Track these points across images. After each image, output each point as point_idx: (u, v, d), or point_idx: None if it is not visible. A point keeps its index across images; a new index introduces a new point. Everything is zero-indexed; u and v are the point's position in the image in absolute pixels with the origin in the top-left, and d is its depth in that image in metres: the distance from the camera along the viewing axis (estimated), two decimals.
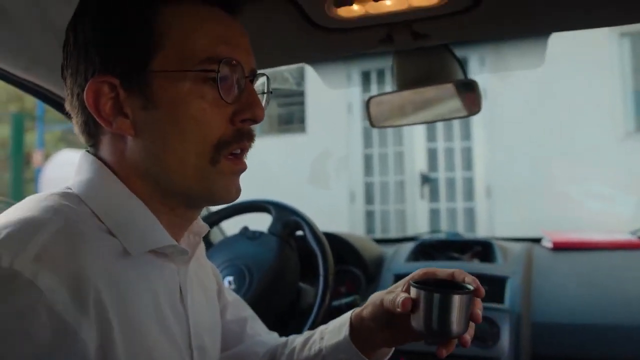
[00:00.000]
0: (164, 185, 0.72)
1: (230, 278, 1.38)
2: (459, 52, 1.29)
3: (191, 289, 0.84)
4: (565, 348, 1.39)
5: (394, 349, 0.92)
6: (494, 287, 1.51)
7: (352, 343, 0.86)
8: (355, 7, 1.00)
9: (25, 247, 0.59)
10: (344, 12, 1.01)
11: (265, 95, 0.81)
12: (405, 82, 1.31)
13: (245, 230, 1.49)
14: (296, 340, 0.98)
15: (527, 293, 1.49)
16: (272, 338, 1.05)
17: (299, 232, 1.47)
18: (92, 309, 0.61)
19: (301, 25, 1.07)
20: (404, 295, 0.76)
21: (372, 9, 1.01)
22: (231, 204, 1.52)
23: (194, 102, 0.68)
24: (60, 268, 0.59)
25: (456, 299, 0.72)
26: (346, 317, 0.90)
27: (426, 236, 2.13)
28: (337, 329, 0.90)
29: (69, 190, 0.71)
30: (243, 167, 0.75)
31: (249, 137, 0.74)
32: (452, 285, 0.77)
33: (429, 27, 1.10)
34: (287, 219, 1.45)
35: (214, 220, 1.56)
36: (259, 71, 0.78)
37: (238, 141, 0.72)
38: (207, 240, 1.55)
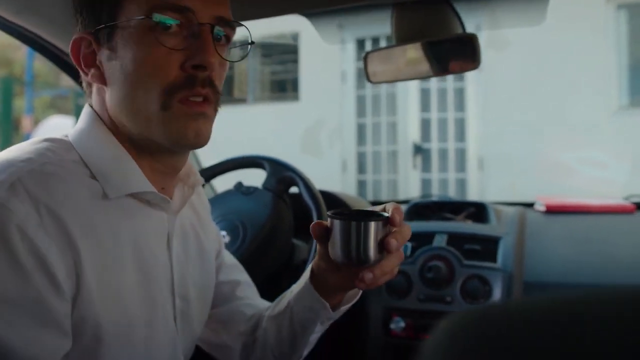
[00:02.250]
0: (132, 130, 0.77)
1: (224, 232, 1.37)
2: None
3: (183, 240, 0.87)
4: None
5: (359, 294, 0.90)
6: (487, 246, 1.52)
7: (312, 287, 0.85)
8: None
9: (2, 177, 0.66)
10: None
11: (247, 45, 0.84)
12: (403, 37, 1.29)
13: (239, 185, 1.48)
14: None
15: (520, 253, 1.50)
16: (263, 303, 1.05)
17: (294, 189, 1.46)
18: (59, 238, 0.66)
19: None
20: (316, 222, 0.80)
21: None
22: (225, 160, 1.52)
23: (142, 50, 0.72)
24: (30, 198, 0.65)
25: (367, 226, 0.73)
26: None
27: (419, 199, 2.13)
28: (302, 278, 0.90)
29: (65, 138, 0.78)
30: (198, 110, 0.75)
31: (202, 84, 0.74)
32: (373, 215, 0.78)
33: None
34: (282, 175, 1.44)
35: (207, 175, 1.55)
36: (241, 22, 0.80)
37: (189, 87, 0.73)
38: None
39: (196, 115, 0.74)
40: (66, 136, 0.79)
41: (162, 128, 0.74)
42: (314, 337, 0.91)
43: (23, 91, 8.41)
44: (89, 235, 0.70)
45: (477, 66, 1.24)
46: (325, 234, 0.78)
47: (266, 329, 0.94)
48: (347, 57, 6.11)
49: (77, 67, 0.78)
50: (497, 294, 1.40)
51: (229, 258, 1.09)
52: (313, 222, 0.80)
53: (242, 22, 0.82)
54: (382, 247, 0.74)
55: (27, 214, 0.64)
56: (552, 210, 1.76)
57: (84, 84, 0.83)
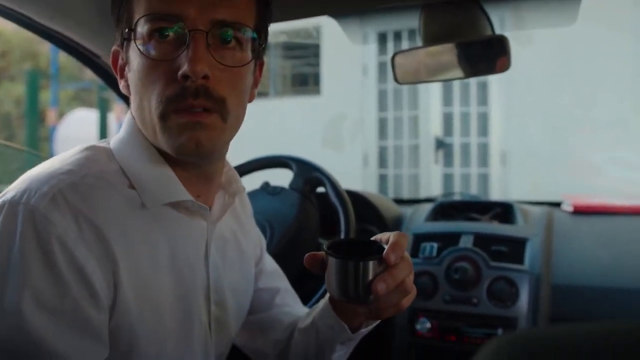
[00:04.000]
0: (149, 140, 0.78)
1: None
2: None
3: (222, 247, 0.88)
4: (584, 310, 1.39)
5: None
6: (514, 248, 1.51)
7: (331, 308, 0.84)
8: None
9: (45, 189, 0.67)
10: None
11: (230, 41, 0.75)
12: (432, 38, 1.28)
13: (266, 185, 1.49)
14: None
15: (547, 255, 1.48)
16: (301, 310, 1.05)
17: (320, 189, 1.47)
18: (98, 250, 0.68)
19: None
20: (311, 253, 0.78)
21: None
22: (252, 159, 1.53)
23: (140, 61, 0.73)
24: (71, 210, 0.67)
25: (364, 265, 0.70)
26: None
27: (446, 197, 2.12)
28: (326, 296, 0.88)
29: (106, 145, 0.80)
30: (193, 120, 0.72)
31: (194, 94, 0.70)
32: (370, 247, 0.75)
33: None
34: (309, 175, 1.44)
35: None
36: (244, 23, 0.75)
37: (181, 99, 0.71)
38: None
39: (192, 125, 0.72)
40: (108, 143, 0.81)
41: (164, 138, 0.73)
42: (338, 356, 0.89)
43: (48, 84, 8.52)
44: (127, 246, 0.71)
45: (507, 68, 1.23)
46: (320, 267, 0.75)
47: (297, 340, 0.95)
48: (368, 51, 6.08)
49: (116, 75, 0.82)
50: (524, 296, 1.39)
51: (269, 264, 1.09)
52: (307, 255, 0.77)
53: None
54: (368, 285, 0.71)
55: (68, 226, 0.66)
56: (580, 211, 1.74)
57: None
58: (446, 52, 1.30)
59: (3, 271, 0.63)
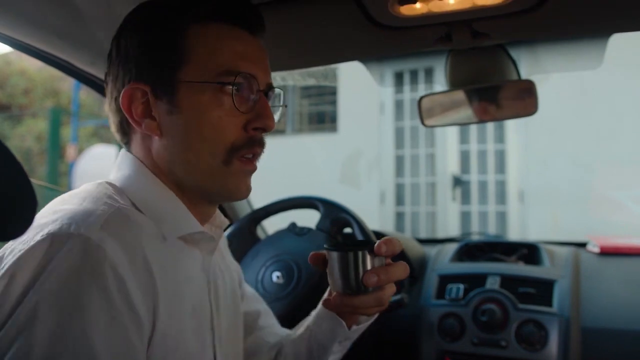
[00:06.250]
0: (184, 181, 0.81)
1: (279, 273, 1.39)
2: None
3: (214, 279, 0.91)
4: (616, 354, 1.37)
5: (374, 316, 0.97)
6: (542, 290, 1.49)
7: (327, 311, 0.93)
8: (418, 5, 1.00)
9: (92, 219, 0.68)
10: (406, 10, 1.01)
11: (280, 107, 0.90)
12: (458, 82, 1.31)
13: (293, 226, 1.50)
14: None
15: (576, 297, 1.47)
16: (284, 330, 1.11)
17: (347, 229, 1.47)
18: (144, 280, 0.70)
19: (362, 23, 1.07)
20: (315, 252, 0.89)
21: (435, 7, 1.01)
22: (278, 200, 1.55)
23: (212, 110, 0.77)
24: (120, 237, 0.69)
25: (347, 256, 0.80)
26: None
27: (474, 237, 2.11)
28: (320, 304, 0.98)
29: (112, 183, 0.81)
30: (253, 169, 0.83)
31: (260, 144, 0.82)
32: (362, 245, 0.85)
33: (490, 27, 1.09)
34: (336, 216, 1.45)
35: (260, 215, 1.58)
36: (277, 86, 0.88)
37: (249, 147, 0.80)
38: (253, 236, 1.57)
39: (249, 172, 0.83)
40: (107, 182, 0.81)
41: (222, 181, 0.80)
42: (333, 359, 0.98)
43: (69, 121, 8.67)
44: (163, 277, 0.73)
45: (534, 112, 1.25)
46: (323, 264, 0.86)
47: (287, 353, 1.01)
48: (385, 89, 6.14)
49: (127, 116, 0.79)
50: (553, 339, 1.38)
51: (248, 289, 1.13)
52: (311, 253, 0.88)
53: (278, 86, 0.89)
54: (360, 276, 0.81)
55: (119, 254, 0.67)
56: (607, 252, 1.73)
57: (112, 128, 0.85)
58: (472, 95, 1.32)
59: (60, 298, 0.62)
